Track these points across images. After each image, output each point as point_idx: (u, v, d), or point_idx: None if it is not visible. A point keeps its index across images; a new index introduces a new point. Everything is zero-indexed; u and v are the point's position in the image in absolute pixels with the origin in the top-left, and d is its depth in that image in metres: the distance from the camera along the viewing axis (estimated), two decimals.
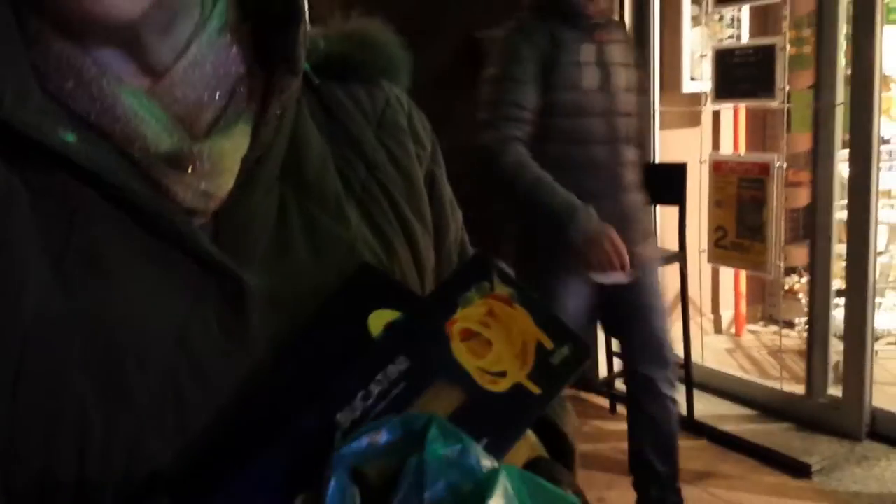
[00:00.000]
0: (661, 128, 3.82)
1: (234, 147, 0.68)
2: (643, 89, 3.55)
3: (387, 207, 0.76)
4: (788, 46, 3.47)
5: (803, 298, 4.03)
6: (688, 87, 3.95)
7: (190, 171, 0.66)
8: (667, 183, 3.24)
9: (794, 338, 4.07)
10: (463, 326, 0.60)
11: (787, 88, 3.39)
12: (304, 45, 0.72)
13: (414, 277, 0.76)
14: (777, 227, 3.39)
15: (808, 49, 3.86)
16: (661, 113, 3.82)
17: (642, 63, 3.63)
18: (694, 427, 3.32)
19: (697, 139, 3.74)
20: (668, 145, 3.82)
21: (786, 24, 3.79)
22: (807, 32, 3.95)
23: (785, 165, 3.49)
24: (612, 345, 3.52)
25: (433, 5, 5.07)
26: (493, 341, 0.60)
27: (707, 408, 3.48)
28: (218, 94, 0.70)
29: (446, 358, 0.58)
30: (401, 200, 0.77)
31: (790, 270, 4.32)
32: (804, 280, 4.08)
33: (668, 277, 3.61)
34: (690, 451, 3.10)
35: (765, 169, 3.36)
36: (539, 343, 0.61)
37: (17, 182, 0.63)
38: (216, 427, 0.62)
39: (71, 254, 0.62)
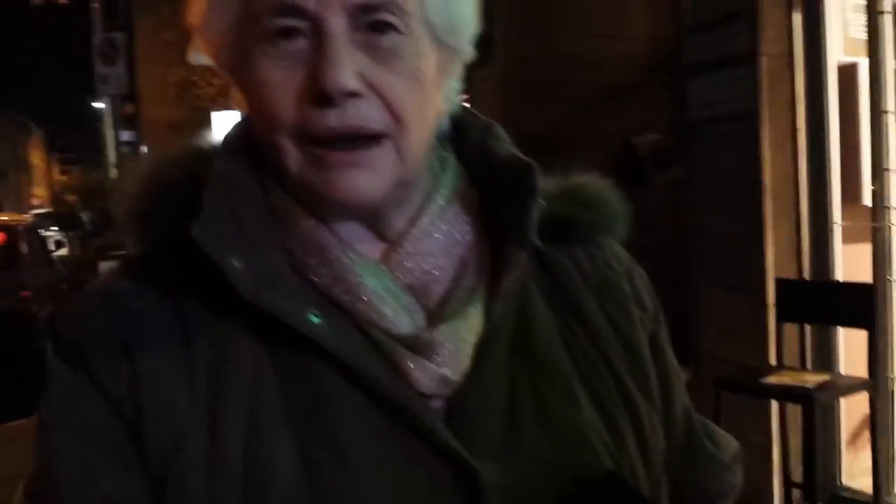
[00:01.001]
0: (842, 243, 3.59)
1: (470, 330, 0.68)
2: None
3: (611, 384, 0.73)
4: None
5: None
6: (870, 199, 3.72)
7: (430, 357, 0.65)
8: (853, 304, 3.02)
9: None
10: None
11: None
12: (537, 220, 0.70)
13: (642, 469, 0.72)
14: None
15: None
16: (841, 227, 3.59)
17: (818, 173, 3.47)
18: None
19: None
20: (851, 262, 3.57)
21: None
22: None
23: None
24: (792, 475, 3.25)
25: (590, 110, 5.11)
26: None
27: None
28: (449, 263, 0.70)
29: None
30: (625, 376, 0.74)
31: None
32: None
33: (857, 407, 3.32)
34: None
35: None
36: None
37: (267, 362, 0.64)
38: None
39: (315, 437, 0.63)
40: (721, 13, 3.53)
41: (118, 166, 13.18)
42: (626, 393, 0.73)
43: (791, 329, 3.33)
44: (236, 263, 0.63)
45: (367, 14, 0.65)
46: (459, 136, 0.77)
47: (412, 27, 0.67)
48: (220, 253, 0.63)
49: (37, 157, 53.77)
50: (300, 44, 0.65)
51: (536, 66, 4.99)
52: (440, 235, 0.70)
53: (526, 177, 0.71)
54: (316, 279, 0.67)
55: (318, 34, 0.64)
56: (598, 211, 0.78)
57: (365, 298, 0.66)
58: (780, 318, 3.27)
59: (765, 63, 3.36)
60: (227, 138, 0.72)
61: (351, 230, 0.69)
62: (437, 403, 0.65)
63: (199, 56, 0.73)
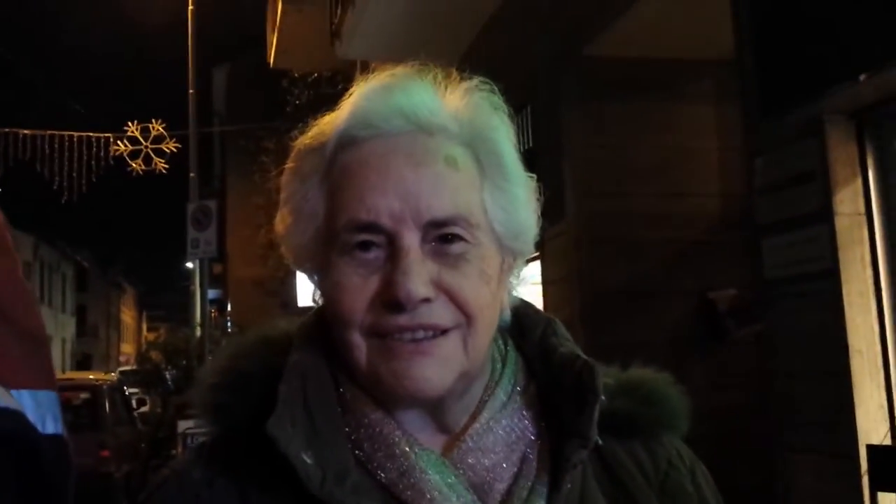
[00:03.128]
0: None
1: None
2: None
3: None
4: None
5: None
6: None
7: None
8: None
9: None
10: None
11: None
12: (597, 421, 0.71)
13: None
14: None
15: None
16: None
17: None
18: None
19: None
20: None
21: None
22: None
23: None
24: None
25: (664, 266, 5.09)
26: None
27: None
28: (510, 459, 0.71)
29: None
30: None
31: None
32: None
33: None
34: None
35: None
36: None
37: None
38: None
39: None
40: (791, 173, 3.54)
41: (202, 325, 13.56)
42: None
43: (887, 499, 3.11)
44: (306, 458, 0.65)
45: (438, 228, 0.70)
46: (521, 330, 0.79)
47: (478, 236, 0.72)
48: (292, 448, 0.65)
49: (128, 315, 55.98)
50: (376, 253, 0.70)
51: (608, 223, 5.05)
52: (501, 431, 0.72)
53: (587, 377, 0.72)
54: (382, 475, 0.68)
55: (392, 246, 0.69)
56: (658, 407, 0.78)
57: (428, 496, 0.67)
58: (875, 487, 3.06)
59: (840, 222, 3.32)
60: (303, 329, 0.77)
61: (414, 420, 0.71)
62: None
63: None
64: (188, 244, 9.72)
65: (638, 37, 4.82)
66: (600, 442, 0.72)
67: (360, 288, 0.69)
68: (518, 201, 0.76)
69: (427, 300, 0.68)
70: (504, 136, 0.78)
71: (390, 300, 0.67)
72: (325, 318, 0.74)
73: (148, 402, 15.32)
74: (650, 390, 0.78)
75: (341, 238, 0.71)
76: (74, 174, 14.19)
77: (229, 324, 17.71)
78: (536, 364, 0.77)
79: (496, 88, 0.79)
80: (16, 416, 0.61)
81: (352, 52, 8.00)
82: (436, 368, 0.67)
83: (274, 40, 12.54)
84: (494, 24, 6.39)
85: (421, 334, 0.68)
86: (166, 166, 14.77)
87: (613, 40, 4.89)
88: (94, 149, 14.33)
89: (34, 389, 0.66)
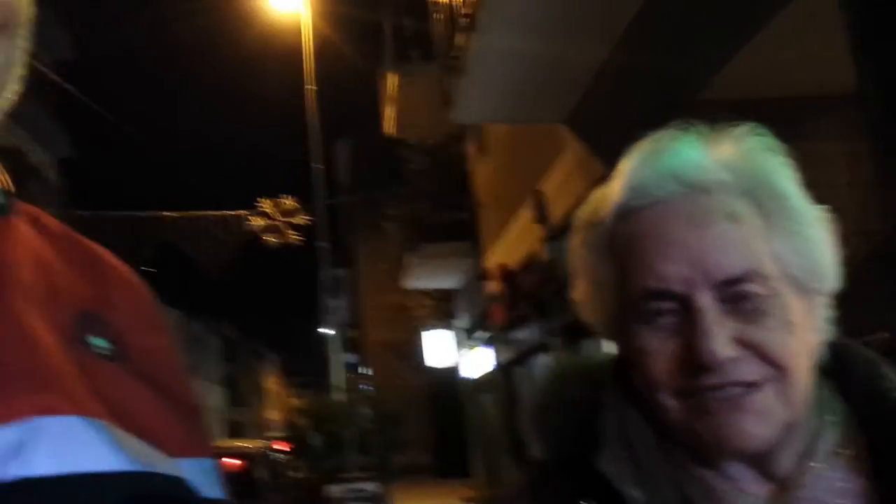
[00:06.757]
0: None
1: None
2: None
3: None
4: None
5: None
6: None
7: None
8: None
9: None
10: None
11: None
12: None
13: None
14: None
15: None
16: None
17: None
18: None
19: None
20: None
21: None
22: None
23: None
24: None
25: None
26: None
27: None
28: None
29: None
30: None
31: None
32: None
33: None
34: None
35: None
36: None
37: None
38: None
39: None
40: None
41: (347, 389, 13.82)
42: None
43: None
44: (635, 494, 0.68)
45: (730, 286, 0.70)
46: (842, 368, 0.77)
47: (773, 286, 0.71)
48: (623, 483, 0.68)
49: (272, 382, 57.79)
50: (672, 318, 0.71)
51: None
52: (828, 482, 0.70)
53: None
54: None
55: (687, 309, 0.70)
56: None
57: None
58: None
59: None
60: (613, 366, 0.79)
61: (737, 469, 0.71)
62: None
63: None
64: (324, 311, 10.05)
65: (754, 77, 4.71)
66: None
67: (661, 351, 0.70)
68: (811, 241, 0.74)
69: (732, 359, 0.68)
70: (784, 177, 0.77)
71: (695, 363, 0.68)
72: (633, 377, 0.75)
73: (299, 468, 15.67)
74: None
75: (636, 306, 0.72)
76: (214, 251, 14.93)
77: (365, 387, 17.97)
78: (862, 409, 0.74)
79: (767, 130, 0.78)
80: (178, 483, 0.65)
81: (464, 117, 8.15)
82: (756, 423, 0.67)
83: (390, 112, 12.93)
84: (603, 78, 6.38)
85: (734, 390, 0.67)
86: (300, 238, 15.33)
87: (729, 83, 4.79)
88: (231, 226, 15.08)
89: (193, 457, 0.70)
